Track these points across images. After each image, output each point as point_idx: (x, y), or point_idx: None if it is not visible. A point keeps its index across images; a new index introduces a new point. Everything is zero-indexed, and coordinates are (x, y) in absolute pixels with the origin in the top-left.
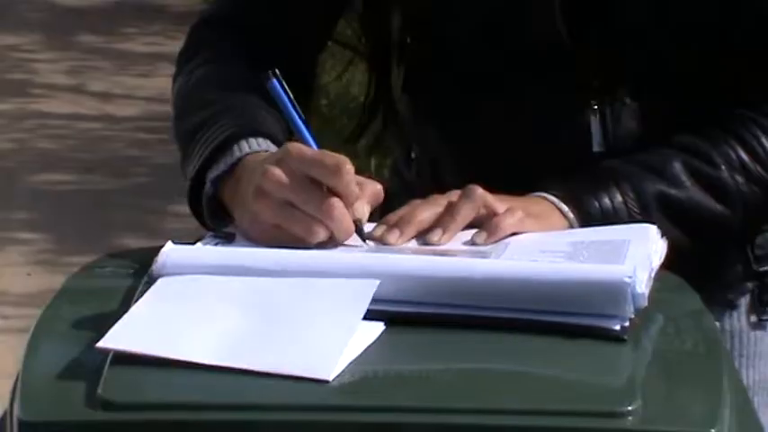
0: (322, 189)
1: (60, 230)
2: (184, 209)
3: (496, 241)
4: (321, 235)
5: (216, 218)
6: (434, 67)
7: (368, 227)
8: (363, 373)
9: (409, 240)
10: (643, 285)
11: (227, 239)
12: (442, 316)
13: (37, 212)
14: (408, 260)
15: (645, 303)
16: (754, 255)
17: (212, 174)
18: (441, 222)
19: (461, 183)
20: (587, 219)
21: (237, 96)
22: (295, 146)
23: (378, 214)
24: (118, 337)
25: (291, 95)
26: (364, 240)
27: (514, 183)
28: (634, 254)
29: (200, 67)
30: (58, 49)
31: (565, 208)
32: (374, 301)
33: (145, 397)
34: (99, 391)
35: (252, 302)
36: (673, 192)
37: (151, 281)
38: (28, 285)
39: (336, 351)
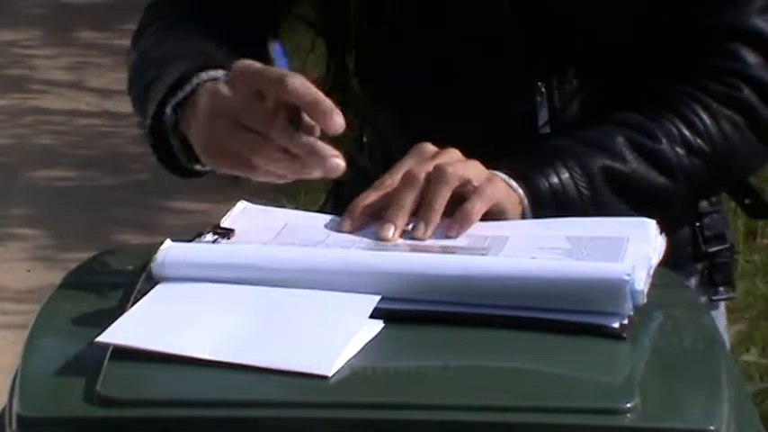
0: (269, 104)
1: (59, 226)
2: (184, 205)
3: (466, 229)
4: (263, 150)
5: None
6: (385, 48)
7: (329, 218)
8: (362, 369)
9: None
10: (642, 283)
11: (226, 236)
12: (441, 314)
13: (36, 208)
14: (409, 258)
15: (643, 301)
16: (703, 236)
17: (172, 101)
18: (421, 216)
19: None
20: (536, 195)
21: (189, 45)
22: (243, 63)
23: (331, 202)
24: (117, 333)
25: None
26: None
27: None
28: (633, 251)
29: (151, 37)
30: (57, 45)
31: (514, 184)
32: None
33: (144, 393)
34: (98, 387)
35: (253, 308)
36: (617, 166)
37: (150, 278)
38: (27, 281)
39: (336, 348)
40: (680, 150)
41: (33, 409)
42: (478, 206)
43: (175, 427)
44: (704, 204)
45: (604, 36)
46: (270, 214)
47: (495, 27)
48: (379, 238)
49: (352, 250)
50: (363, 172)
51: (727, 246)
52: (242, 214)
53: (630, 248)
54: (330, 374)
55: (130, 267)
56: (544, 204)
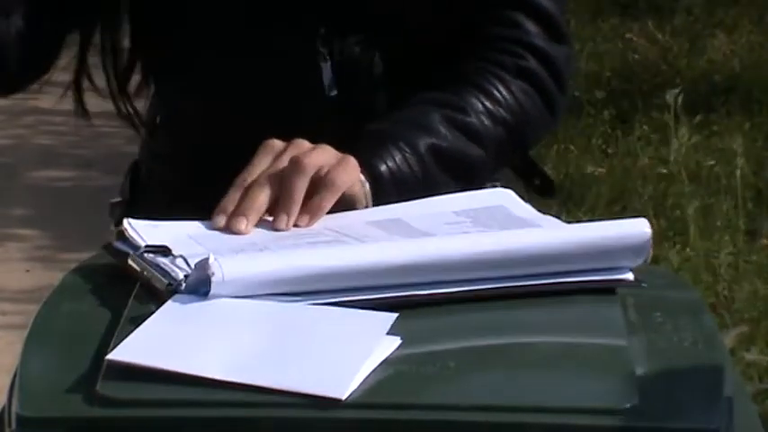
0: None
1: (59, 227)
2: None
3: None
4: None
5: None
6: (169, 26)
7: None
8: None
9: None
10: None
11: (163, 253)
12: (459, 294)
13: (36, 209)
14: (432, 242)
15: None
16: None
17: None
18: (282, 206)
19: (205, 139)
20: (377, 178)
21: None
22: None
23: (128, 185)
24: (129, 350)
25: None
26: None
27: (255, 132)
28: (529, 214)
29: None
30: None
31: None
32: (398, 287)
33: (143, 393)
34: (97, 387)
35: (267, 326)
36: (440, 143)
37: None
38: (26, 281)
39: (351, 370)
40: (486, 121)
41: (33, 409)
42: (329, 197)
43: (175, 427)
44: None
45: (379, 4)
46: (163, 228)
47: None
48: (233, 230)
49: (374, 243)
50: (156, 153)
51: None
52: (143, 231)
53: (521, 212)
54: (344, 397)
55: None
56: (384, 186)
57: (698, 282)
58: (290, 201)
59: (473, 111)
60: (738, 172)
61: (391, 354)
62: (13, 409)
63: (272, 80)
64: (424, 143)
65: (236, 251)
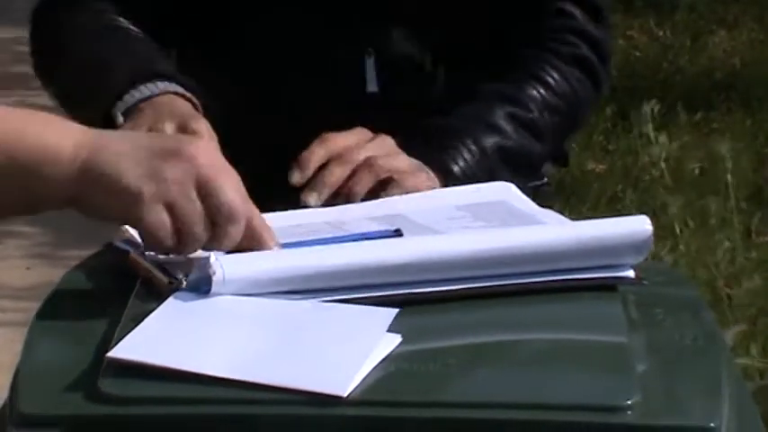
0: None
1: (59, 224)
2: None
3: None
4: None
5: None
6: (226, 19)
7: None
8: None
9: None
10: None
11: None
12: (460, 291)
13: None
14: (433, 241)
15: None
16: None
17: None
18: (345, 197)
19: (244, 131)
20: (448, 179)
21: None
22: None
23: None
24: (130, 347)
25: None
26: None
27: (294, 125)
28: (528, 209)
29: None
30: None
31: (432, 174)
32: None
33: (144, 391)
34: (98, 384)
35: (268, 324)
36: (506, 142)
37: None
38: (27, 279)
39: (352, 367)
40: (546, 115)
41: (34, 407)
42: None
43: (176, 425)
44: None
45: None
46: None
47: None
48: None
49: (382, 242)
50: None
51: (545, 181)
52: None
53: (522, 206)
54: (345, 394)
55: None
56: (453, 186)
57: (693, 279)
58: (354, 194)
59: (535, 105)
60: (740, 170)
61: (392, 351)
62: (15, 406)
63: (313, 73)
64: (491, 142)
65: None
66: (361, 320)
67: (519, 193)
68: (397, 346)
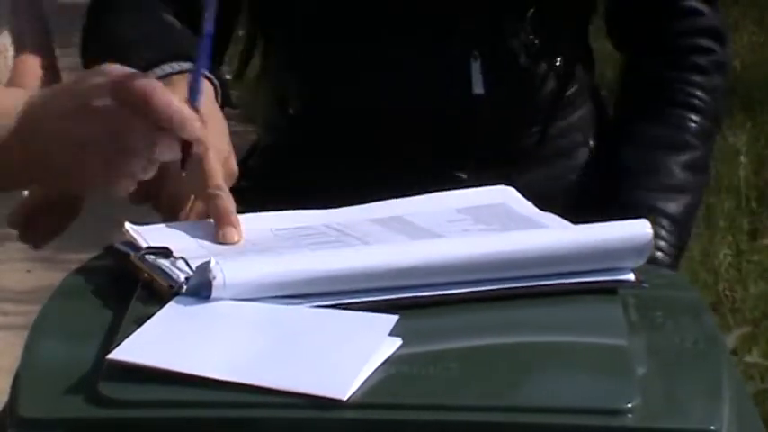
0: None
1: None
2: None
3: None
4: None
5: None
6: (322, 20)
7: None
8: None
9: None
10: None
11: (164, 255)
12: (460, 295)
13: None
14: (433, 245)
15: None
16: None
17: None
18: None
19: (346, 133)
20: (653, 263)
21: (155, 30)
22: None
23: (259, 171)
24: (130, 350)
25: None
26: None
27: (399, 127)
28: (528, 212)
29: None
30: (58, 46)
31: None
32: (407, 288)
33: (144, 394)
34: (99, 387)
35: (268, 328)
36: (694, 202)
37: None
38: (27, 282)
39: (353, 371)
40: (707, 143)
41: (34, 410)
42: None
43: (176, 428)
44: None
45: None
46: (165, 229)
47: None
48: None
49: (387, 244)
50: (288, 142)
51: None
52: (145, 232)
53: (523, 210)
54: (345, 398)
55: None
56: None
57: (696, 282)
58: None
59: (699, 140)
60: (741, 172)
61: (392, 354)
62: (15, 409)
63: (420, 77)
64: (682, 211)
65: (237, 253)
66: (361, 326)
67: (519, 196)
68: (398, 350)
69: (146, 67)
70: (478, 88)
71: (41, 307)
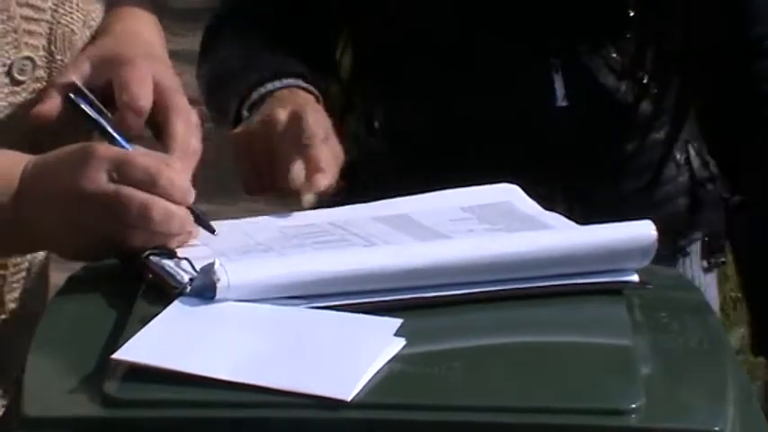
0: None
1: None
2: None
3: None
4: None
5: None
6: (400, 31)
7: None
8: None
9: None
10: None
11: (170, 256)
12: (465, 296)
13: None
14: (438, 247)
15: None
16: (701, 206)
17: (247, 103)
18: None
19: (431, 145)
20: None
21: (261, 58)
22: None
23: (346, 188)
24: (134, 350)
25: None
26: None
27: (483, 141)
28: (534, 210)
29: (224, 52)
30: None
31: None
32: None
33: (149, 394)
34: (103, 387)
35: (273, 329)
36: None
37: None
38: None
39: (356, 371)
40: None
41: (39, 409)
42: None
43: (180, 428)
44: (705, 175)
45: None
46: None
47: (510, 4)
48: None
49: (396, 245)
50: (374, 155)
51: (720, 215)
52: None
53: (527, 209)
54: (349, 399)
55: None
56: None
57: None
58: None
59: None
60: None
61: (397, 354)
62: (19, 409)
63: (503, 91)
64: None
65: (241, 252)
66: (366, 327)
67: (524, 194)
68: (402, 349)
69: (252, 88)
70: (561, 100)
71: (46, 306)
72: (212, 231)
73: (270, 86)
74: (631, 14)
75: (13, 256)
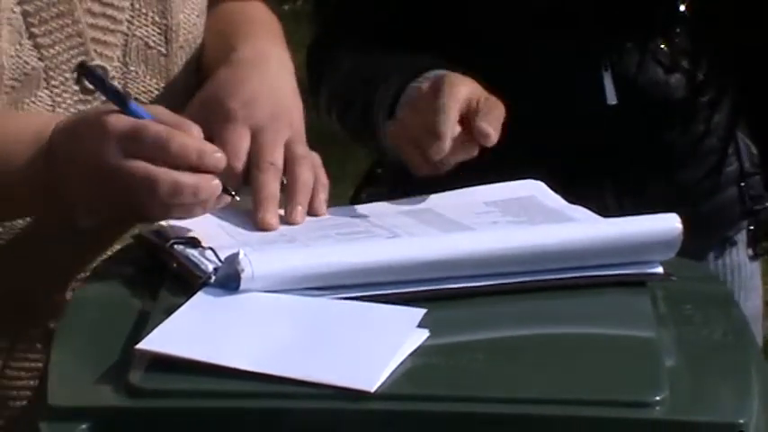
0: None
1: None
2: None
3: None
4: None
5: None
6: (457, 37)
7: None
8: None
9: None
10: None
11: (193, 244)
12: (489, 287)
13: None
14: (462, 238)
15: None
16: (749, 195)
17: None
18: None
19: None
20: None
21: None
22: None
23: (401, 185)
24: (158, 340)
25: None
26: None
27: (533, 140)
28: (557, 205)
29: (344, 68)
30: None
31: None
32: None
33: (173, 384)
34: (128, 377)
35: (296, 319)
36: None
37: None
38: None
39: (381, 362)
40: None
41: (64, 399)
42: None
43: (204, 417)
44: (748, 165)
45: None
46: (196, 219)
47: (559, 4)
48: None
49: (419, 238)
50: None
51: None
52: (173, 221)
53: (551, 202)
54: (373, 390)
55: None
56: None
57: None
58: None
59: None
60: None
61: (420, 346)
62: (45, 399)
63: (552, 89)
64: None
65: (265, 243)
66: (389, 318)
67: (548, 189)
68: (426, 341)
69: (398, 92)
70: (612, 98)
71: (71, 296)
72: (232, 195)
73: (415, 84)
74: (682, 9)
75: (43, 213)
